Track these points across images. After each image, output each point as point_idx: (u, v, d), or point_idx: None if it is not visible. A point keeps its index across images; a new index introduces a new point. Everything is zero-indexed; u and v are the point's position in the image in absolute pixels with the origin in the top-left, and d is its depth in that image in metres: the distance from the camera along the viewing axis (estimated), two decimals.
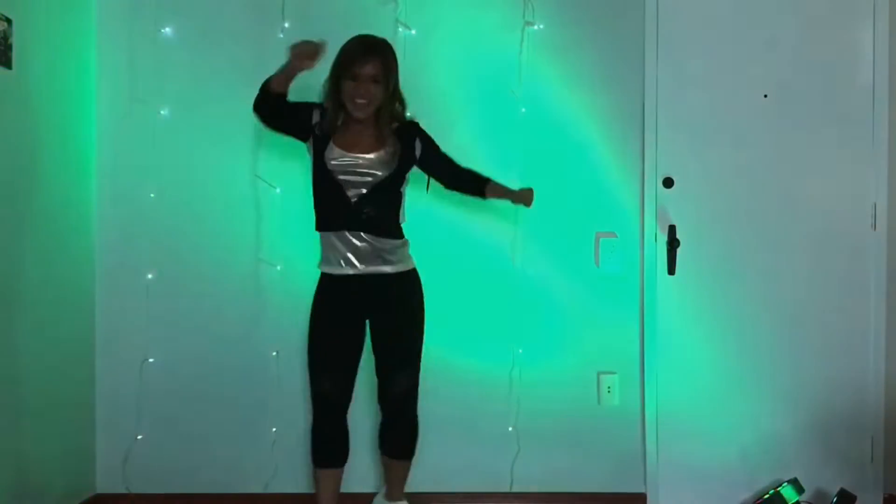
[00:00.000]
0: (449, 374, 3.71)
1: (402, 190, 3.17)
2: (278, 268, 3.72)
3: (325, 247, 3.12)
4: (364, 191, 3.04)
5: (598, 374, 3.78)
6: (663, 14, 3.77)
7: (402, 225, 3.20)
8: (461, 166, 3.28)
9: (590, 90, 3.77)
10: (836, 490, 3.57)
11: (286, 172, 3.71)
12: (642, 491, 3.79)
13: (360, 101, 3.01)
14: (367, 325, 3.20)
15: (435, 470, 3.73)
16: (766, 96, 3.77)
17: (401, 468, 3.31)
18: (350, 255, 3.07)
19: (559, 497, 3.74)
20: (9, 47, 3.06)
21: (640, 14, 3.76)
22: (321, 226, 3.12)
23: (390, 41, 3.62)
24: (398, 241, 3.16)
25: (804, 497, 3.53)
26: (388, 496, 3.36)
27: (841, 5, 3.79)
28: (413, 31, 3.71)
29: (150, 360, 3.72)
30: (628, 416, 3.80)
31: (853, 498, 3.48)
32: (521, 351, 3.72)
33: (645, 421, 3.80)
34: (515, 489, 3.74)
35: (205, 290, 3.74)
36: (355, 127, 3.11)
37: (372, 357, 3.24)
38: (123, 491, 3.72)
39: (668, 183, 3.77)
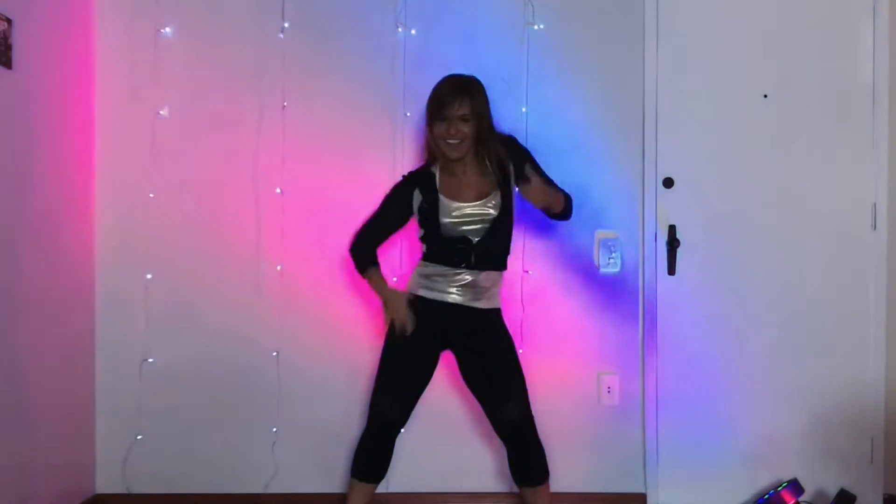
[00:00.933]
0: (450, 374, 3.65)
1: (512, 225, 3.18)
2: (278, 268, 3.71)
3: (430, 274, 3.13)
4: (479, 235, 3.07)
5: (598, 374, 3.77)
6: (663, 15, 3.75)
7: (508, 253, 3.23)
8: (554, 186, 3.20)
9: (590, 90, 3.76)
10: (835, 491, 3.57)
11: (287, 173, 3.71)
12: (642, 491, 3.78)
13: (451, 140, 3.02)
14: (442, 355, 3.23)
15: (440, 469, 3.76)
16: (766, 96, 3.76)
17: (537, 495, 3.22)
18: (454, 289, 3.10)
19: (560, 497, 3.67)
20: (9, 47, 3.06)
21: (639, 15, 3.75)
22: (434, 259, 3.14)
23: (390, 42, 3.66)
24: (499, 275, 3.19)
25: (804, 497, 3.52)
26: None
27: (840, 5, 3.77)
28: (413, 31, 3.71)
29: (150, 359, 3.71)
30: (628, 417, 3.78)
31: (853, 498, 3.47)
32: (521, 351, 3.57)
33: (645, 421, 3.78)
34: (515, 490, 3.68)
35: (204, 290, 3.73)
36: (458, 170, 3.12)
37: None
38: (123, 491, 3.72)
39: (668, 183, 3.75)
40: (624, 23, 3.75)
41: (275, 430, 3.72)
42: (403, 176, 3.24)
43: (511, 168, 3.12)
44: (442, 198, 3.09)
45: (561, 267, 3.74)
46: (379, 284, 3.21)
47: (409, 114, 3.69)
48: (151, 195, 3.68)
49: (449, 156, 3.06)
